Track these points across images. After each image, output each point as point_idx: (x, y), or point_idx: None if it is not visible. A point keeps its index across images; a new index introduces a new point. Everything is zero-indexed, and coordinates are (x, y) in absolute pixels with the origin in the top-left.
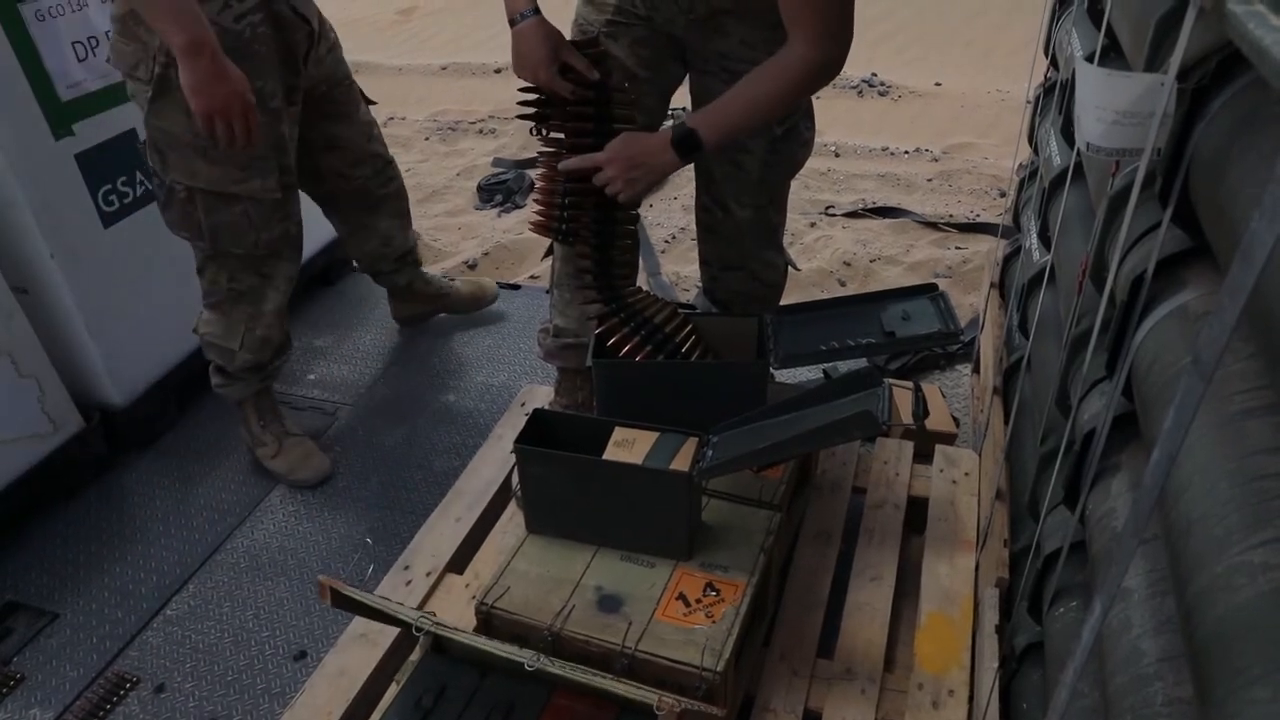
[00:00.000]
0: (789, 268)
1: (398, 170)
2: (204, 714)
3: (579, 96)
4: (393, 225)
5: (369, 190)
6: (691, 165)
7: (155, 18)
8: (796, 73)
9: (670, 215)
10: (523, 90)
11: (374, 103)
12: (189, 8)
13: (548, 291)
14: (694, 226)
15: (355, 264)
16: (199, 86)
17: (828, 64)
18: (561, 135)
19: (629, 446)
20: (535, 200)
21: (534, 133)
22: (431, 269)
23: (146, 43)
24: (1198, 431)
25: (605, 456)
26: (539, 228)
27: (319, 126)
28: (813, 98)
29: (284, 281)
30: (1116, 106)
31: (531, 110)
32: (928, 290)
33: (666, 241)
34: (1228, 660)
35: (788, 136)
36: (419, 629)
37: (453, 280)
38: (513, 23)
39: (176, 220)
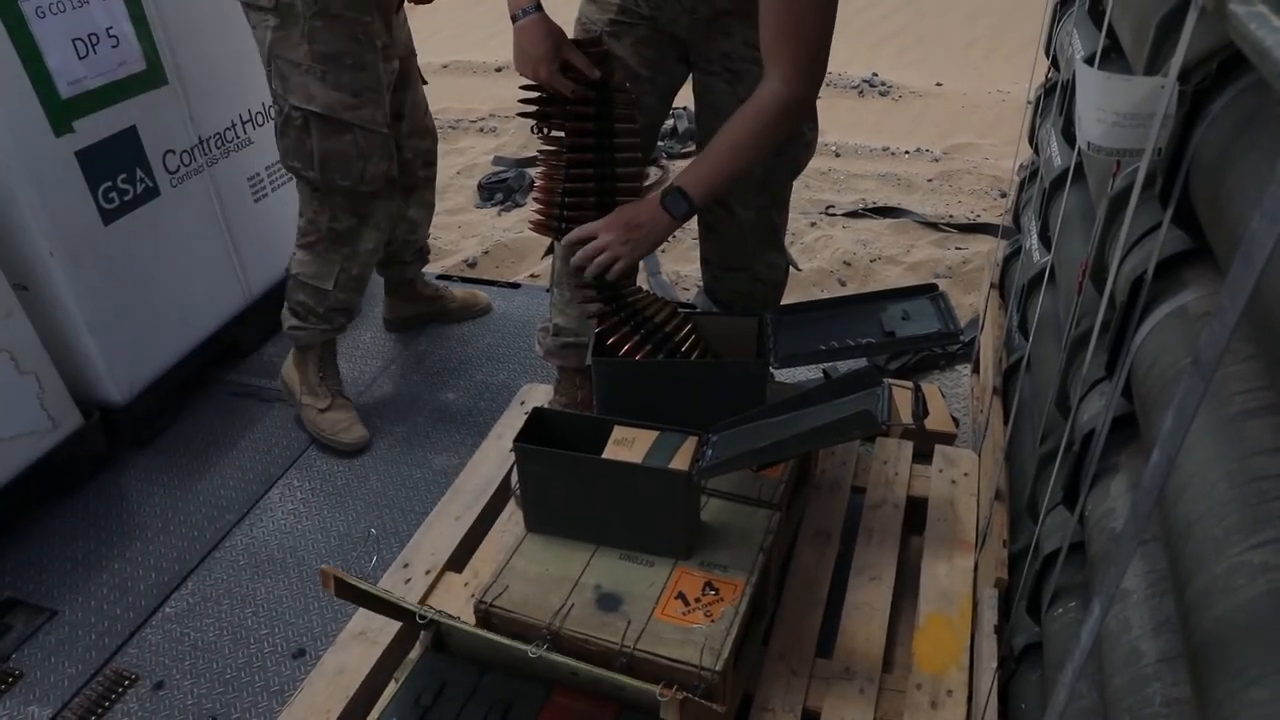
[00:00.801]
0: (790, 268)
1: (436, 155)
2: (203, 711)
3: (580, 95)
4: (420, 213)
5: (413, 169)
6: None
7: None
8: (771, 110)
9: None
10: (524, 88)
11: (426, 82)
12: None
13: (548, 290)
14: (695, 226)
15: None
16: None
17: (801, 99)
18: (562, 134)
19: (628, 445)
20: (535, 199)
21: (535, 130)
22: (432, 267)
23: None
24: (1197, 432)
25: (605, 455)
26: (539, 227)
27: (393, 95)
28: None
29: (384, 220)
30: (1117, 109)
31: (533, 108)
32: (927, 290)
33: (667, 241)
34: (1226, 661)
35: (791, 138)
36: (422, 618)
37: (448, 290)
38: (515, 19)
39: (291, 148)
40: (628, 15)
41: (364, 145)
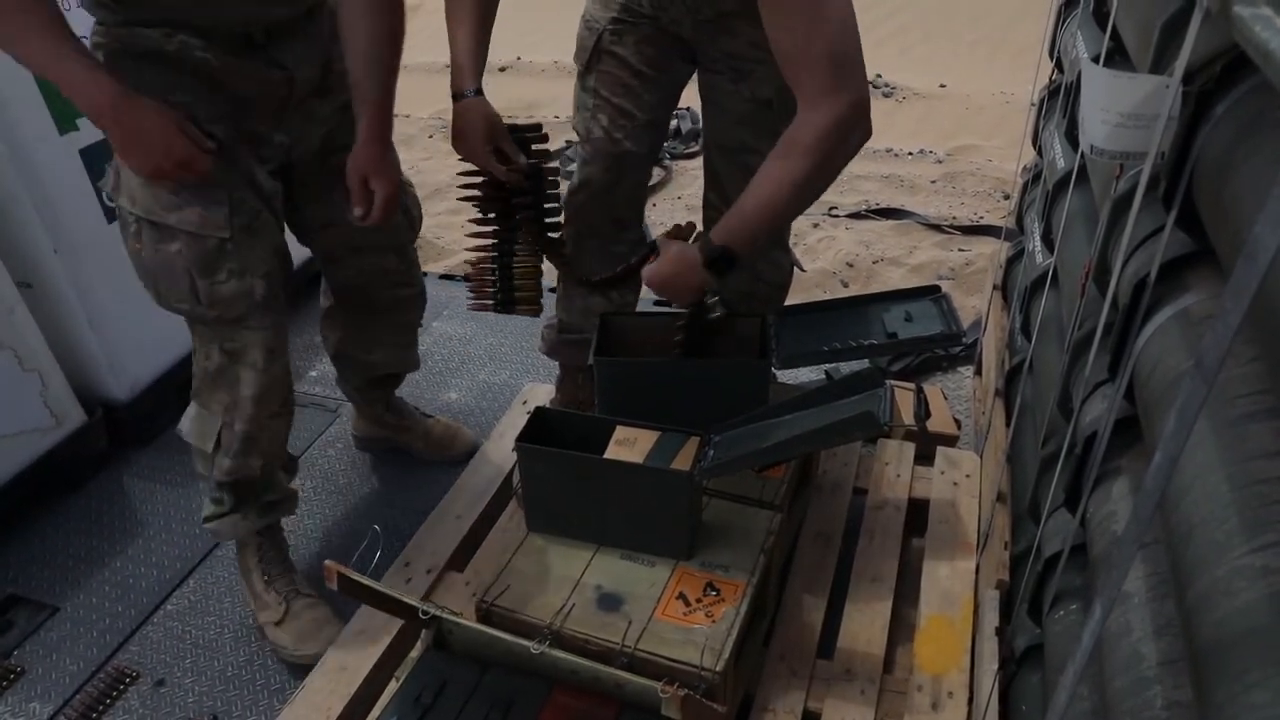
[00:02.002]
0: (794, 268)
1: (415, 279)
2: (204, 709)
3: (512, 180)
4: (385, 334)
5: (367, 291)
6: (699, 161)
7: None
8: (802, 144)
9: (674, 214)
10: (461, 173)
11: (409, 184)
12: (71, 69)
13: (552, 289)
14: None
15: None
16: (123, 150)
17: (838, 121)
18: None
19: (630, 445)
20: (468, 279)
21: (475, 206)
22: (435, 267)
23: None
24: (1199, 436)
25: (607, 455)
26: (478, 306)
27: (313, 202)
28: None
29: (260, 356)
30: (1121, 108)
31: (471, 192)
32: (930, 292)
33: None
34: (1228, 664)
35: (850, 156)
36: (425, 613)
37: (429, 416)
38: (456, 99)
39: (132, 259)
40: (630, 14)
41: (192, 258)
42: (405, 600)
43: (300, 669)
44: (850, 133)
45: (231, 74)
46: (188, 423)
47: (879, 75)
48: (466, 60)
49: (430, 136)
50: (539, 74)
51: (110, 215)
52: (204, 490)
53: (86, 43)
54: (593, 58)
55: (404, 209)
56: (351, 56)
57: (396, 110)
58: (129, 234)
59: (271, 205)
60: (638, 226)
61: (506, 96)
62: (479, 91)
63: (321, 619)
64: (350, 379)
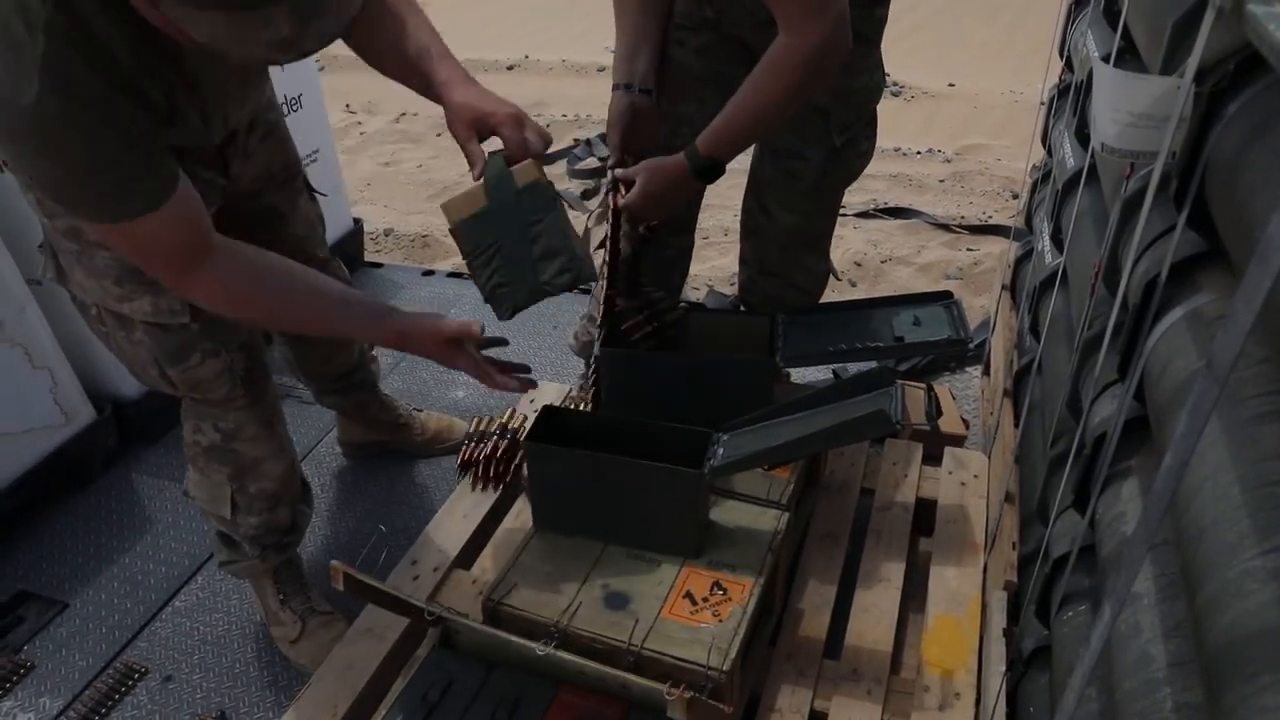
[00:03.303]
0: (830, 275)
1: (343, 272)
2: (211, 705)
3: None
4: (331, 348)
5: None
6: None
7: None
8: (789, 64)
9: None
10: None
11: (323, 194)
12: (370, 319)
13: (586, 291)
14: (711, 229)
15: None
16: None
17: (818, 46)
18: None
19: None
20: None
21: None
22: (440, 265)
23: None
24: (1210, 436)
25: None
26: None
27: (247, 232)
28: (874, 109)
29: (257, 428)
30: (1132, 109)
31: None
32: (942, 297)
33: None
34: (1238, 666)
35: (847, 147)
36: (430, 614)
37: (419, 411)
38: (614, 88)
39: (105, 345)
40: (690, 20)
41: (156, 345)
42: (411, 601)
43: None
44: (826, 60)
45: (178, 123)
46: (194, 489)
47: (887, 74)
48: (619, 54)
49: (438, 135)
50: (546, 72)
51: None
52: (211, 532)
53: None
54: None
55: (322, 220)
56: (408, 47)
57: (403, 109)
58: (90, 318)
59: None
60: (689, 233)
61: (513, 95)
62: (627, 86)
63: (338, 635)
64: (326, 388)
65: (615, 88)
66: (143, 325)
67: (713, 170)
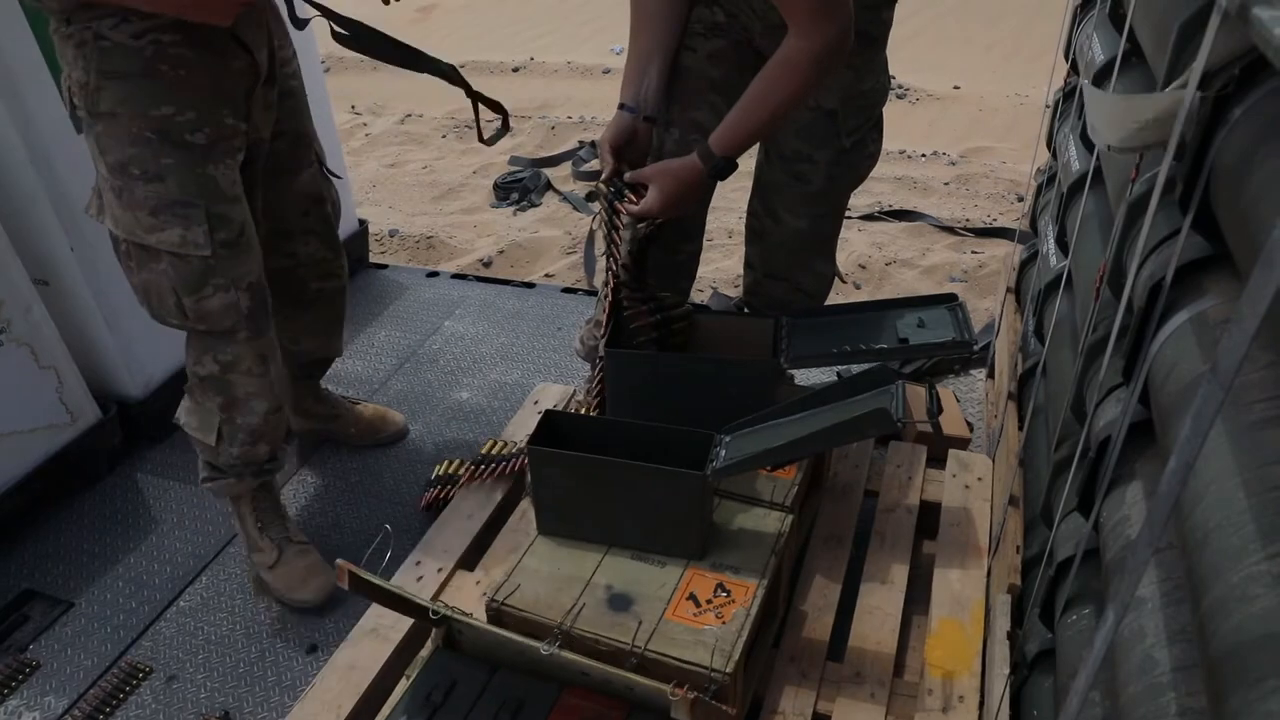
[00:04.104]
0: (835, 278)
1: (342, 270)
2: (215, 705)
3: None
4: (313, 330)
5: (300, 279)
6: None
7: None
8: (798, 64)
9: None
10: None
11: (338, 176)
12: None
13: (589, 293)
14: (715, 231)
15: None
16: None
17: (827, 47)
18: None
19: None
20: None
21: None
22: (448, 266)
23: (67, 72)
24: (1215, 440)
25: None
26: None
27: (255, 184)
28: (880, 111)
29: (254, 364)
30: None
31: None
32: (947, 300)
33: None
34: (1243, 671)
35: (855, 149)
36: (435, 613)
37: (356, 403)
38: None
39: (129, 279)
40: (702, 24)
41: (176, 275)
42: (416, 600)
43: (310, 665)
44: (833, 61)
45: (205, 66)
46: (185, 415)
47: (892, 76)
48: (629, 73)
49: (444, 137)
50: (551, 74)
51: None
52: (200, 462)
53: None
54: None
55: (331, 200)
56: None
57: (409, 111)
58: (119, 254)
59: (254, 214)
60: (698, 238)
61: (519, 97)
62: (632, 109)
63: (313, 565)
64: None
65: (621, 106)
66: (167, 256)
67: (728, 169)
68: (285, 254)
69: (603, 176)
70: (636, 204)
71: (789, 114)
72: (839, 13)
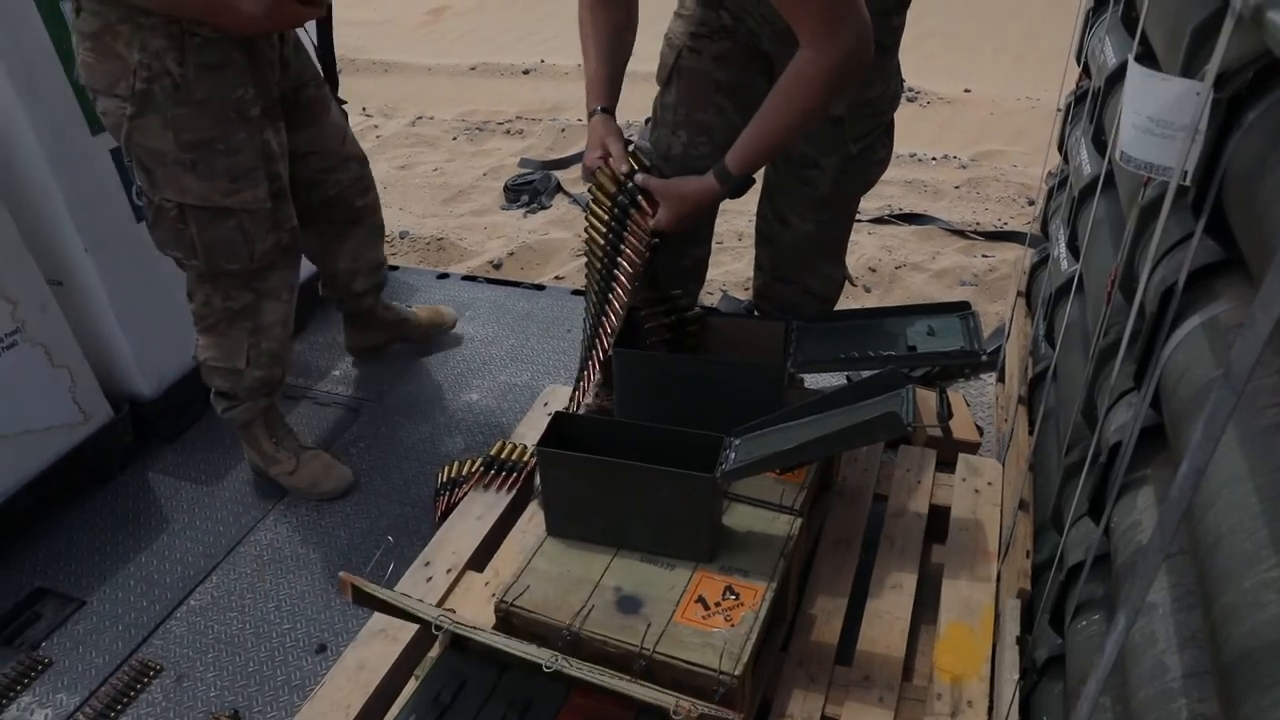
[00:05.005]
0: (845, 281)
1: (373, 178)
2: (225, 704)
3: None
4: (365, 242)
5: (347, 200)
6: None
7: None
8: (811, 78)
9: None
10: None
11: (345, 102)
12: None
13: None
14: (725, 234)
15: (321, 289)
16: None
17: (841, 58)
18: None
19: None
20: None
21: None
22: (458, 268)
23: (125, 58)
24: (1227, 445)
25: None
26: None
27: (289, 133)
28: (890, 118)
29: (284, 291)
30: (1150, 112)
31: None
32: (959, 308)
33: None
34: (1255, 677)
35: (862, 155)
36: (438, 627)
37: (409, 306)
38: (589, 115)
39: (168, 239)
40: (708, 27)
41: (249, 227)
42: (419, 613)
43: (319, 665)
44: (849, 69)
45: (253, 45)
46: (208, 350)
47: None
48: (593, 80)
49: (454, 138)
50: (562, 77)
51: (140, 214)
52: (214, 395)
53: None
54: (672, 74)
55: (344, 133)
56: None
57: (420, 113)
58: (167, 220)
59: (304, 159)
60: (707, 242)
61: (529, 100)
62: (604, 110)
63: (328, 463)
64: (356, 289)
65: (603, 110)
66: (241, 214)
67: (745, 186)
68: (332, 184)
69: (623, 170)
70: (650, 214)
71: (806, 128)
72: (849, 24)
